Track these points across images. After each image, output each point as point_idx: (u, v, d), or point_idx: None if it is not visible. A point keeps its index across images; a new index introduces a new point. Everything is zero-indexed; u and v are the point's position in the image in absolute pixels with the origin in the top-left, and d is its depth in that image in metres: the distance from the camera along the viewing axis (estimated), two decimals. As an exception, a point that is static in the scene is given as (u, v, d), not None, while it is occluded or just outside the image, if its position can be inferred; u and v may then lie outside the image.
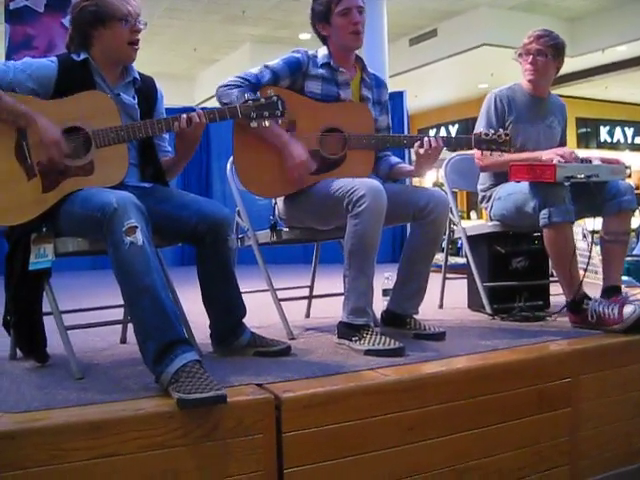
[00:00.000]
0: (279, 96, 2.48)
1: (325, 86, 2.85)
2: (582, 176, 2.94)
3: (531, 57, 3.32)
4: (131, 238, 2.01)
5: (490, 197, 3.41)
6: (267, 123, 2.47)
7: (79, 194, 2.23)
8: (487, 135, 2.85)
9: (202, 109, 2.44)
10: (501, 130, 2.88)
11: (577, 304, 2.99)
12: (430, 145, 2.75)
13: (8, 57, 7.19)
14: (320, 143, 2.79)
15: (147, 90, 2.60)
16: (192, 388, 1.83)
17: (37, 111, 2.24)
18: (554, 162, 2.98)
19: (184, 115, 2.37)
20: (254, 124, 2.46)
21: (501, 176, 3.27)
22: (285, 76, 2.80)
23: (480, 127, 3.32)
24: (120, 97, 2.46)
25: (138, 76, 2.55)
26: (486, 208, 3.47)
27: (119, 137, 2.31)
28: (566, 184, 2.98)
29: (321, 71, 2.85)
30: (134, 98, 2.52)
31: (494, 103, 3.36)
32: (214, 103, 2.80)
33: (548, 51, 3.30)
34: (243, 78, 2.73)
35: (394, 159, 3.09)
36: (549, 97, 3.50)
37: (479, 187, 3.52)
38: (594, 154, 3.27)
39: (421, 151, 2.77)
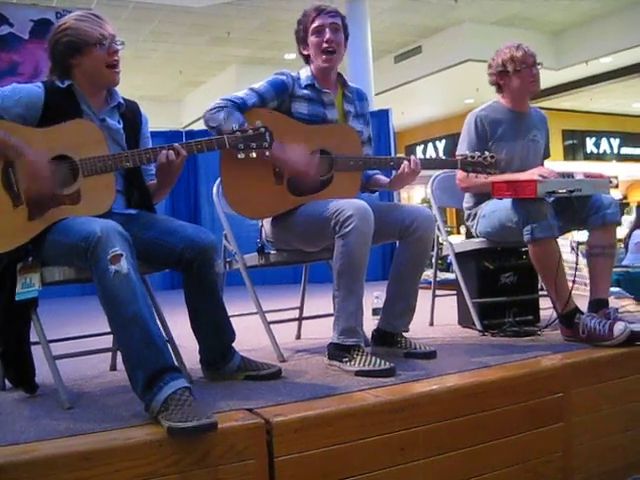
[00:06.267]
0: (267, 127, 2.48)
1: (311, 107, 2.86)
2: (564, 191, 2.96)
3: (535, 69, 3.33)
4: (116, 266, 2.00)
5: (475, 215, 3.42)
6: (254, 155, 2.47)
7: (63, 223, 2.21)
8: (473, 157, 2.88)
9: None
10: (487, 153, 2.91)
11: (569, 318, 3.00)
12: (408, 167, 2.79)
13: (-6, 84, 7.21)
14: None
15: (131, 114, 2.60)
16: (182, 416, 1.82)
17: (25, 141, 2.23)
18: (534, 178, 2.99)
19: (170, 150, 2.37)
20: (241, 155, 2.47)
21: (485, 194, 3.27)
22: (271, 98, 2.80)
23: (462, 149, 3.30)
24: (106, 122, 2.45)
25: (123, 101, 2.55)
26: (472, 226, 3.47)
27: (106, 166, 2.30)
28: (548, 199, 2.99)
29: (306, 92, 2.86)
30: (119, 122, 2.52)
31: (474, 124, 3.35)
32: (201, 125, 2.80)
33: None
34: (229, 100, 2.71)
35: (371, 170, 3.10)
36: (529, 111, 3.51)
37: (464, 205, 3.53)
38: (578, 169, 3.28)
39: (398, 170, 2.82)
